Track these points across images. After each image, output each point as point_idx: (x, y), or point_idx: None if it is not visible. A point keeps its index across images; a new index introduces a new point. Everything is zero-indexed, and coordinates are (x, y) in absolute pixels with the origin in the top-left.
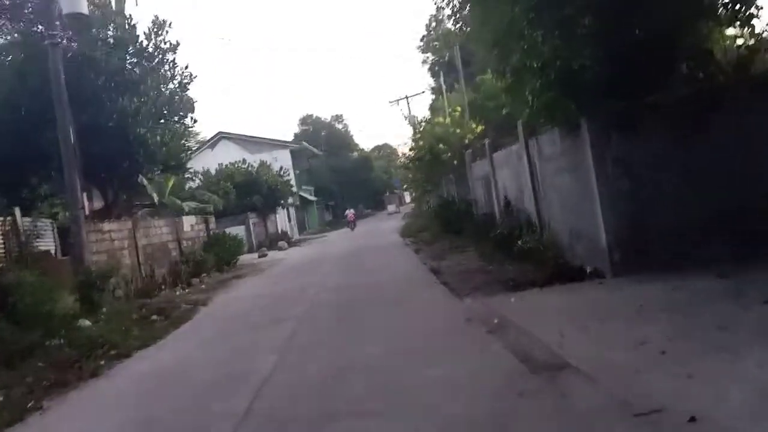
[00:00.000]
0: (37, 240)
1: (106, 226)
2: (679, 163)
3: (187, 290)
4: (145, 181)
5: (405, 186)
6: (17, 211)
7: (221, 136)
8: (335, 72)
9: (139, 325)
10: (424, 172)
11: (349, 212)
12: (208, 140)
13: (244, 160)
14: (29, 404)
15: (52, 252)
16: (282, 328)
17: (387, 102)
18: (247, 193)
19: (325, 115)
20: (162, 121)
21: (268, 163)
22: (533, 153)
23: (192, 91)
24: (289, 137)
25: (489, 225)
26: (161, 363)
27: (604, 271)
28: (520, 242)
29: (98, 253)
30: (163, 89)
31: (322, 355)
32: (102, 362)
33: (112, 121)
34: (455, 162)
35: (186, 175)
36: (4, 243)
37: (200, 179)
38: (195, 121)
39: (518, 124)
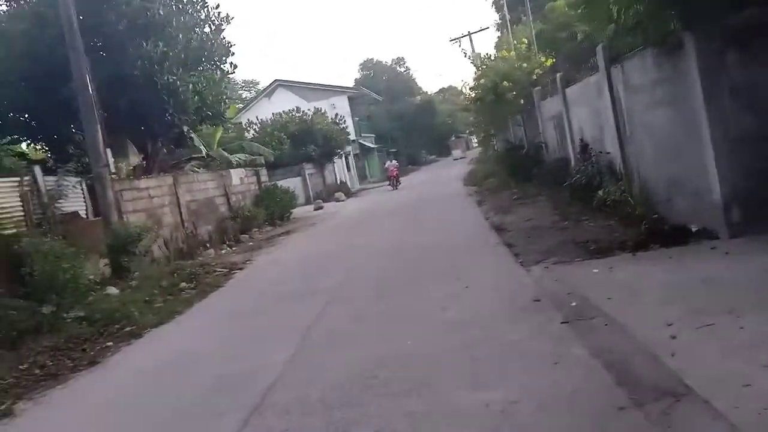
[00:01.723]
0: (62, 200)
1: (143, 183)
2: None
3: (233, 248)
4: (193, 134)
5: (468, 130)
6: (37, 170)
7: (278, 84)
8: (397, 13)
9: (166, 293)
10: (487, 113)
11: (390, 164)
12: (265, 89)
13: (297, 108)
14: (3, 405)
15: (82, 213)
16: (311, 306)
17: (449, 41)
18: (302, 142)
19: (387, 59)
20: (200, 68)
21: (323, 110)
22: (617, 84)
23: (245, 38)
24: (350, 83)
25: (562, 171)
26: (165, 351)
27: (716, 231)
28: (600, 193)
29: (135, 213)
30: (197, 32)
31: (346, 351)
32: (110, 343)
33: (137, 69)
34: (522, 101)
35: (244, 126)
36: (22, 206)
37: (255, 130)
38: (235, 67)
39: (598, 50)
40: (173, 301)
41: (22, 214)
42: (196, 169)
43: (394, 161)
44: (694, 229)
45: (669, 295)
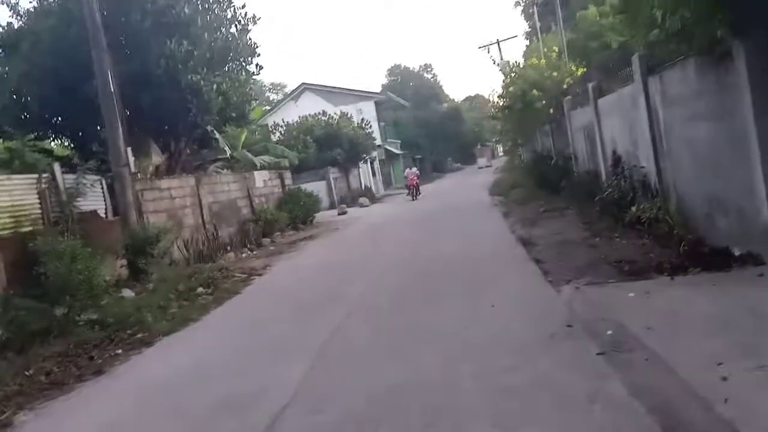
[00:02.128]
0: (81, 199)
1: (165, 183)
2: None
3: (254, 252)
4: (217, 135)
5: (495, 139)
6: (57, 167)
7: (305, 88)
8: (425, 20)
9: (182, 298)
10: (514, 122)
11: (410, 172)
12: (292, 92)
13: (324, 112)
14: (4, 415)
15: (102, 212)
16: (329, 319)
17: (477, 48)
18: (328, 146)
19: (414, 65)
20: (224, 68)
21: (349, 114)
22: (654, 95)
23: (274, 40)
24: (377, 88)
25: (593, 184)
26: (174, 363)
27: (762, 256)
28: (634, 209)
29: (156, 213)
30: (222, 32)
31: (363, 372)
32: (119, 351)
33: (161, 68)
34: (551, 110)
35: (270, 128)
36: (40, 204)
37: (281, 132)
38: (260, 68)
39: (634, 59)
40: (189, 306)
41: (40, 212)
42: (220, 170)
43: (413, 168)
44: (737, 253)
45: (714, 327)
